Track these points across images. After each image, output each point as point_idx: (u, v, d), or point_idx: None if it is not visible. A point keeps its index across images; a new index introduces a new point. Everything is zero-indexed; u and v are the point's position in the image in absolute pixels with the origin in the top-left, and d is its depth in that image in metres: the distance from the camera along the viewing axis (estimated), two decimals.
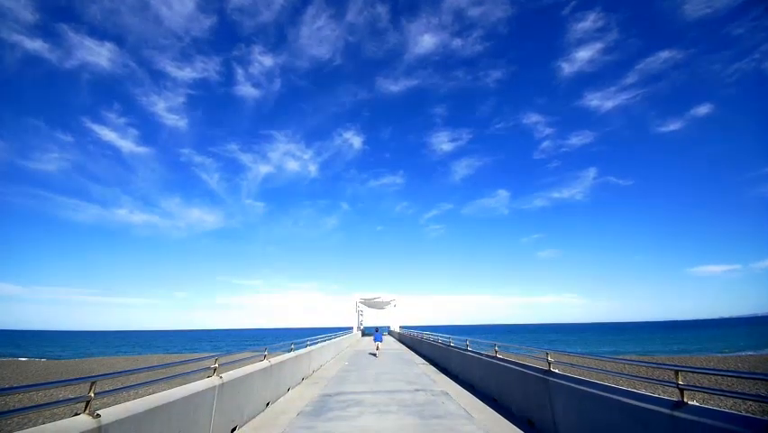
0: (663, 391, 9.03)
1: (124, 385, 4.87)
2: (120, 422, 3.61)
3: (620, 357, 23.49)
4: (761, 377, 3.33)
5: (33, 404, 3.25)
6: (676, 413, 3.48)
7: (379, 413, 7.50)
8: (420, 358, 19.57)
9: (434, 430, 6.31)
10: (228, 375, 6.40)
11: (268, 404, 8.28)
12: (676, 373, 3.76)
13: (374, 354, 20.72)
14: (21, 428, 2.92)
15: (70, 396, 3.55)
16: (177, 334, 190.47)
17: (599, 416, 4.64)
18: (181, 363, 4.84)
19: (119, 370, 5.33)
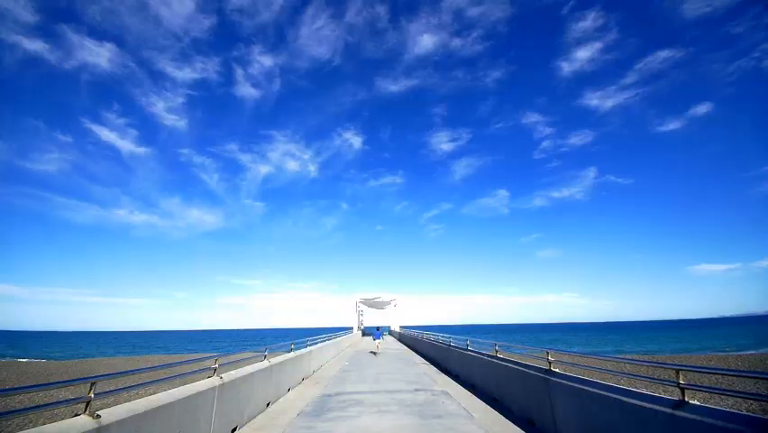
0: (665, 391, 9.03)
1: (125, 386, 4.87)
2: (120, 423, 3.61)
3: (621, 357, 23.35)
4: (761, 376, 3.33)
5: (34, 405, 3.24)
6: (677, 412, 3.47)
7: (379, 413, 7.50)
8: (420, 358, 19.55)
9: (434, 430, 6.31)
10: (228, 375, 6.40)
11: (268, 404, 8.28)
12: (677, 372, 3.75)
13: (374, 353, 20.74)
14: (21, 429, 2.92)
15: (70, 397, 3.54)
16: (177, 334, 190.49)
17: (600, 415, 4.64)
18: (181, 363, 4.84)
19: (119, 370, 5.32)
